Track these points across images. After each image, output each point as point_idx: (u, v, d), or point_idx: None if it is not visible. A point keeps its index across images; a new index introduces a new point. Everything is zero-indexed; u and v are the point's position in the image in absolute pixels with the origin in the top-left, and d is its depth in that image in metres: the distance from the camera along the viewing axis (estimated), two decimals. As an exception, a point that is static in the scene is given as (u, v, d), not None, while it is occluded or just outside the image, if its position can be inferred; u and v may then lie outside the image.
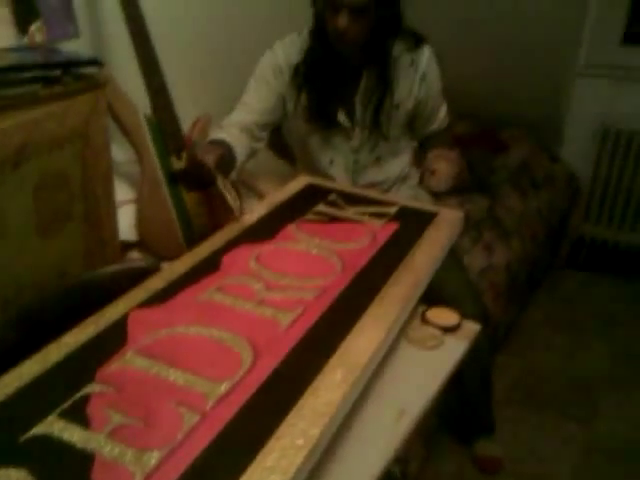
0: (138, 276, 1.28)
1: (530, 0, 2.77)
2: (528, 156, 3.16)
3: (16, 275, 1.50)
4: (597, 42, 3.21)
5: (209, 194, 1.99)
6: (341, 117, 1.86)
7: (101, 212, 1.70)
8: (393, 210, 1.55)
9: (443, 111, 1.99)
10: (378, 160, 1.93)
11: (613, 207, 3.38)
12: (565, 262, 3.40)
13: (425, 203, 1.95)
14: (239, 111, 1.85)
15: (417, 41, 1.85)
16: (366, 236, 1.40)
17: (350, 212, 1.53)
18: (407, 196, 1.99)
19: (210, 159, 1.51)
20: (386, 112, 1.84)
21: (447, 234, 1.45)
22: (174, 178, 1.92)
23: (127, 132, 1.83)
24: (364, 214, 1.52)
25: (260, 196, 2.19)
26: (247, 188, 2.22)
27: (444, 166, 1.70)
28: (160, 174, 1.88)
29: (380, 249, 1.35)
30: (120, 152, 2.00)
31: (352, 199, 1.60)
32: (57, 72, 1.48)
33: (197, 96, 2.43)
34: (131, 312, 1.10)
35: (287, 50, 1.84)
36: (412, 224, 1.48)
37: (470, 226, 2.42)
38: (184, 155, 1.94)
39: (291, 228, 1.43)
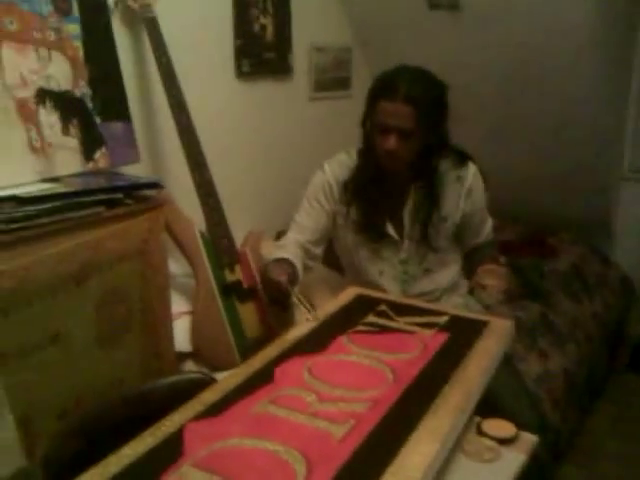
0: (194, 388, 1.31)
1: (572, 108, 2.82)
2: (578, 260, 3.13)
3: (76, 386, 1.55)
4: (639, 148, 3.26)
5: (261, 307, 2.04)
6: (390, 230, 1.91)
7: (158, 324, 1.76)
8: (443, 320, 1.56)
9: (489, 225, 2.03)
10: (427, 271, 1.96)
11: (671, 309, 3.30)
12: (626, 366, 3.27)
13: (476, 311, 1.96)
14: (293, 231, 1.96)
15: (462, 158, 1.92)
16: (417, 346, 1.41)
17: (400, 322, 1.55)
18: (457, 304, 2.00)
19: (283, 279, 1.71)
20: (434, 225, 1.89)
21: (498, 343, 1.44)
22: (228, 290, 1.98)
23: (183, 247, 1.91)
24: (414, 324, 1.53)
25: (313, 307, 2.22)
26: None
27: (494, 281, 1.74)
28: (214, 287, 1.94)
29: (431, 360, 1.35)
30: (176, 266, 2.08)
31: (402, 309, 1.62)
32: (120, 195, 1.58)
33: (249, 213, 2.54)
34: (187, 424, 1.12)
35: (336, 169, 1.93)
36: (463, 334, 1.48)
37: (523, 333, 2.39)
38: (237, 268, 2.01)
39: (342, 339, 1.45)
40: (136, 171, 1.89)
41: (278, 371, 1.31)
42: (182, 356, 1.92)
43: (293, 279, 1.82)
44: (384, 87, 1.78)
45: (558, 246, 3.22)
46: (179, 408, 1.18)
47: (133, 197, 1.65)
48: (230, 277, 2.00)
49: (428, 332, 1.49)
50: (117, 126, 1.83)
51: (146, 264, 1.69)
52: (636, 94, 3.19)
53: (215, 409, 1.18)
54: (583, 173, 3.08)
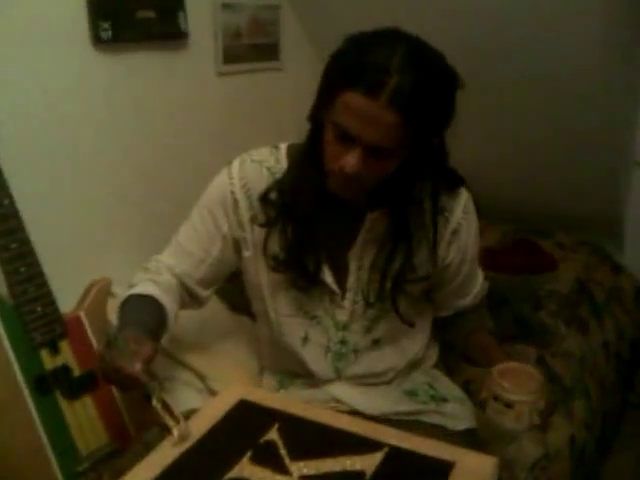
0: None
1: (577, 84, 2.20)
2: (583, 272, 2.50)
3: None
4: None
5: (107, 400, 1.35)
6: (326, 276, 1.25)
7: None
8: (375, 461, 0.88)
9: (479, 280, 1.42)
10: (377, 344, 1.32)
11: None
12: (643, 398, 2.78)
13: (444, 395, 1.32)
14: (172, 253, 1.33)
15: (452, 184, 1.25)
16: None
17: (294, 475, 0.86)
18: (421, 383, 1.36)
19: (138, 368, 1.07)
20: (396, 278, 1.22)
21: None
22: (45, 384, 1.30)
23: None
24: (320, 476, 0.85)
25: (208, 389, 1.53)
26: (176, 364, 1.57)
27: (525, 395, 1.14)
28: (20, 381, 1.26)
29: None
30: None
31: (305, 439, 0.95)
32: None
33: (94, 254, 1.76)
34: None
35: (249, 172, 1.26)
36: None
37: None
38: (63, 346, 1.32)
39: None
40: None
41: None
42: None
43: (154, 351, 1.13)
44: (359, 69, 1.03)
45: (556, 253, 2.59)
46: None
47: None
48: (50, 362, 1.32)
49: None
50: None
51: None
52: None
53: None
54: (586, 157, 2.48)
